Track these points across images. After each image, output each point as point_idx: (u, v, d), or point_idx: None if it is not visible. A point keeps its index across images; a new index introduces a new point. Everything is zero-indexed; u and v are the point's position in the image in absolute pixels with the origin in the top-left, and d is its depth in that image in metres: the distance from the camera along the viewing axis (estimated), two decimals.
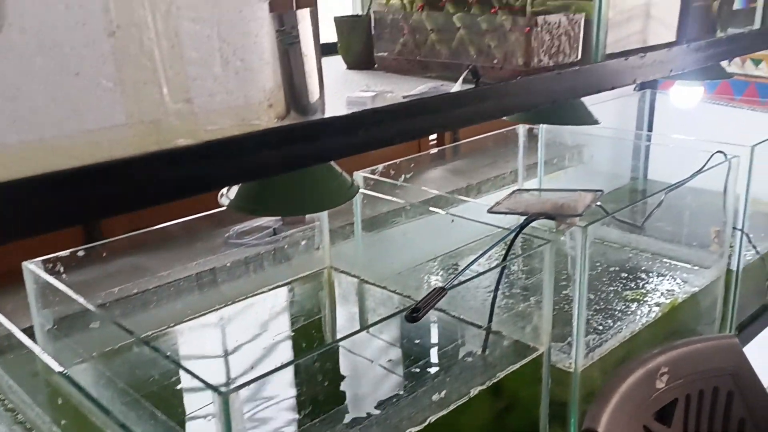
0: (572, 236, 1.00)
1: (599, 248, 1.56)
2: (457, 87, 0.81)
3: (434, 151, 2.20)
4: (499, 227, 1.01)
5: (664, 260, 1.48)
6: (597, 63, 0.92)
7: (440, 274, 1.39)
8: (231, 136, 0.56)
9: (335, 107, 0.80)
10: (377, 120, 0.67)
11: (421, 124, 0.72)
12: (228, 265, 1.19)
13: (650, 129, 2.12)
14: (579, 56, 0.92)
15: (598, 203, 1.09)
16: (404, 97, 0.76)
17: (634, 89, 2.14)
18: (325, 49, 1.23)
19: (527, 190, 1.15)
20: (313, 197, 0.82)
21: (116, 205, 0.51)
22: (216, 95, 0.56)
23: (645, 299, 1.31)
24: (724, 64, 2.00)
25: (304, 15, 0.66)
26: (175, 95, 0.53)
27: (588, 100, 2.21)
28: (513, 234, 0.98)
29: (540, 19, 0.87)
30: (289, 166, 0.62)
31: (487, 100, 0.79)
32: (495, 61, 0.90)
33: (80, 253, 0.99)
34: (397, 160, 1.42)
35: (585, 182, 2.15)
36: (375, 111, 0.67)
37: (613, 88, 0.95)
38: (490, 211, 1.07)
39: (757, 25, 1.26)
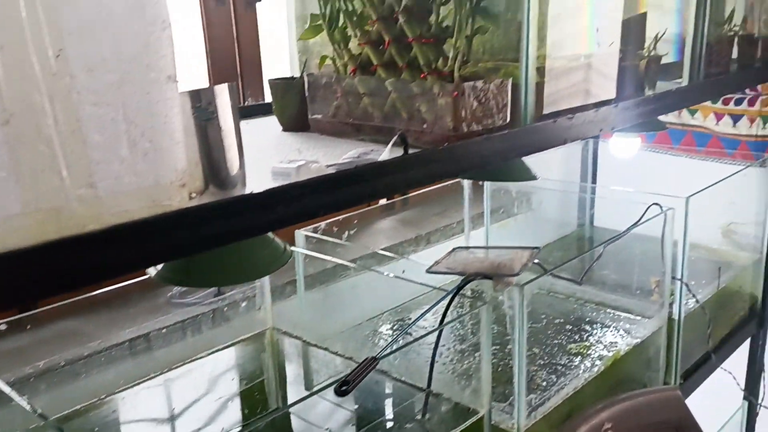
0: (510, 296, 1.00)
1: (545, 299, 1.57)
2: (385, 154, 0.81)
3: (384, 202, 2.20)
4: (434, 288, 1.01)
5: (608, 311, 1.50)
6: (525, 126, 0.93)
7: (382, 332, 1.37)
8: (139, 219, 0.55)
9: (262, 175, 0.79)
10: (299, 194, 0.66)
11: (346, 195, 0.71)
12: (164, 331, 1.16)
13: (594, 177, 2.17)
14: (507, 120, 0.93)
15: (536, 261, 1.09)
16: (328, 166, 0.75)
17: None
18: (263, 110, 1.24)
19: (467, 248, 1.15)
20: (243, 267, 0.81)
21: (12, 297, 0.49)
22: (123, 178, 0.54)
23: (588, 352, 1.31)
24: None
25: (221, 90, 0.65)
26: (77, 180, 0.51)
27: None
28: (450, 295, 0.97)
29: (467, 84, 0.89)
30: (204, 245, 0.60)
31: (414, 168, 0.79)
32: (425, 126, 0.90)
33: (2, 327, 0.95)
34: (340, 217, 1.41)
35: (533, 230, 2.19)
36: (294, 186, 0.66)
37: (542, 150, 0.96)
38: (428, 271, 1.07)
39: (685, 81, 1.30)
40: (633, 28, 1.22)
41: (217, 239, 0.61)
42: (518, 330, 1.01)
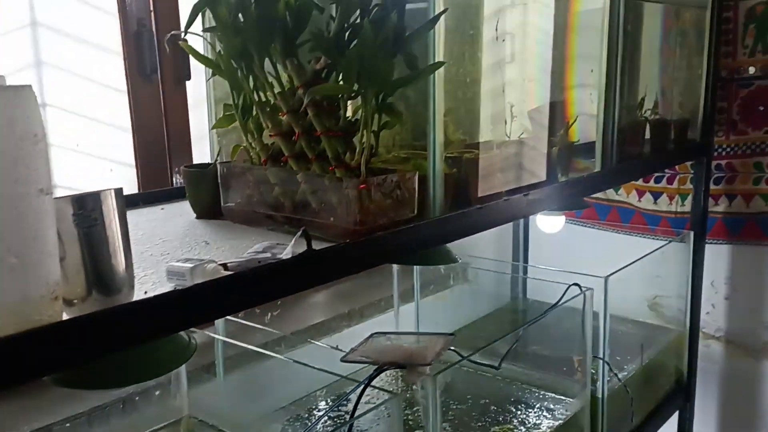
0: (423, 386, 1.00)
1: (473, 378, 1.56)
2: (288, 250, 0.81)
3: None
4: (342, 377, 1.00)
5: (534, 390, 1.50)
6: (433, 219, 0.95)
7: (300, 420, 1.34)
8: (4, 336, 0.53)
9: (159, 272, 0.78)
10: (186, 300, 0.65)
11: (239, 298, 0.71)
12: (67, 425, 1.11)
13: (526, 251, 2.20)
14: (415, 212, 0.94)
15: (451, 348, 1.09)
16: (226, 265, 0.75)
17: None
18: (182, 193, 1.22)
19: (384, 334, 1.14)
20: (139, 366, 0.78)
21: None
22: None
23: None
24: None
25: (106, 195, 0.65)
26: None
27: None
28: (362, 387, 0.96)
29: (374, 178, 0.90)
30: (78, 357, 0.58)
31: (316, 265, 0.79)
32: (331, 219, 0.91)
33: None
34: None
35: (468, 302, 2.20)
36: (182, 293, 0.65)
37: (451, 242, 0.98)
38: (343, 360, 1.06)
39: (597, 166, 1.35)
40: (545, 115, 1.27)
41: (93, 350, 0.59)
42: (432, 421, 1.00)
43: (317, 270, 0.78)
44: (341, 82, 0.91)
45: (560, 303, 1.38)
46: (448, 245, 1.10)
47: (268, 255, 0.81)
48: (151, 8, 1.55)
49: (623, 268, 1.51)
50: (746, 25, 1.77)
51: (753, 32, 1.76)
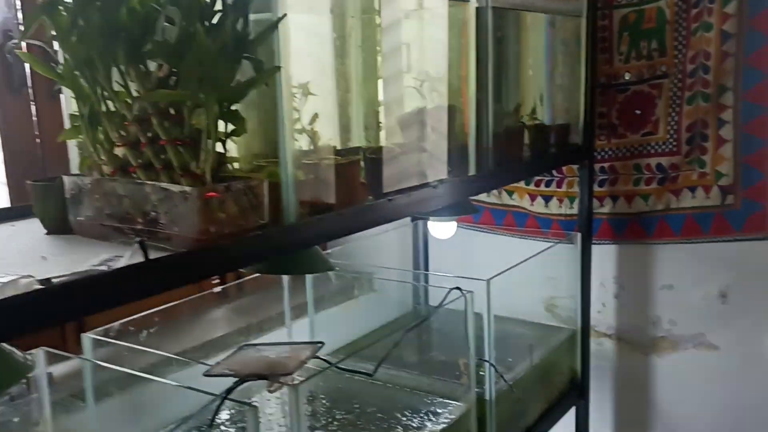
0: (287, 397, 0.98)
1: (362, 386, 1.56)
2: (123, 262, 0.79)
3: (217, 290, 2.15)
4: (204, 393, 0.97)
5: (423, 394, 1.50)
6: (284, 226, 0.94)
7: None
8: None
9: None
10: None
11: (55, 312, 0.68)
12: None
13: (426, 257, 2.22)
14: (265, 219, 0.93)
15: (318, 355, 1.08)
16: (45, 280, 0.71)
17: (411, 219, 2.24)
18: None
19: (254, 345, 1.12)
20: None
21: None
22: None
23: None
24: (482, 194, 2.17)
25: None
26: None
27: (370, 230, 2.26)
28: (218, 401, 0.94)
29: (219, 185, 0.88)
30: None
31: (150, 275, 0.77)
32: (176, 229, 0.89)
33: None
34: (136, 315, 1.35)
35: (374, 311, 2.20)
36: None
37: (305, 248, 0.97)
38: (206, 375, 1.03)
39: (472, 171, 1.37)
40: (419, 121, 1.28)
41: None
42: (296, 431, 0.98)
43: (147, 279, 0.76)
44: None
45: (441, 306, 1.39)
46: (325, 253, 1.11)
47: (104, 267, 0.79)
48: (18, 20, 1.50)
49: (505, 270, 1.54)
50: (621, 33, 1.84)
51: (627, 39, 1.83)
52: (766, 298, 1.74)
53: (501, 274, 1.53)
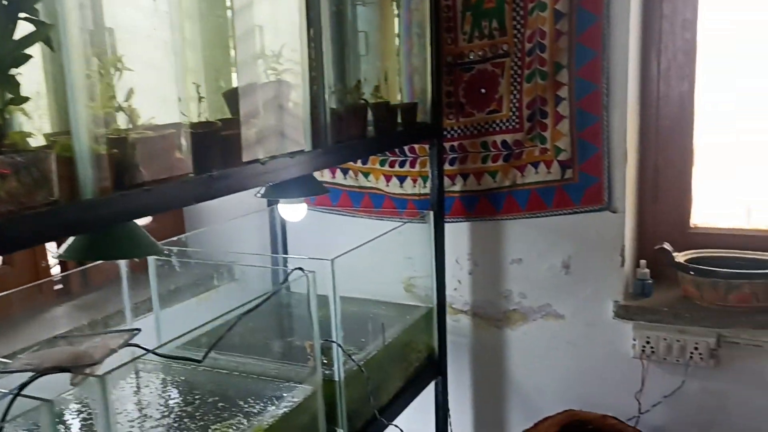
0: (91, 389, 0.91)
1: (207, 377, 1.50)
2: None
3: (59, 287, 2.01)
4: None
5: (267, 380, 1.46)
6: (79, 201, 0.87)
7: None
8: None
9: None
10: None
11: None
12: None
13: (285, 242, 2.18)
14: (55, 195, 0.85)
15: (131, 342, 1.01)
16: None
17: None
18: None
19: (65, 336, 1.04)
20: None
21: None
22: None
23: (235, 429, 1.25)
24: (339, 176, 2.15)
25: None
26: None
27: (230, 212, 2.19)
28: (9, 399, 0.85)
29: None
30: None
31: None
32: None
33: None
34: None
35: (233, 300, 2.12)
36: None
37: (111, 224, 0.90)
38: (2, 371, 0.94)
39: (307, 147, 1.34)
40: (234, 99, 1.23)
41: None
42: (104, 424, 0.91)
43: None
44: None
45: (281, 287, 1.36)
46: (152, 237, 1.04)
47: None
48: None
49: (350, 250, 1.52)
50: (464, 13, 1.87)
51: (470, 19, 1.86)
52: (604, 266, 1.83)
53: (346, 253, 1.51)
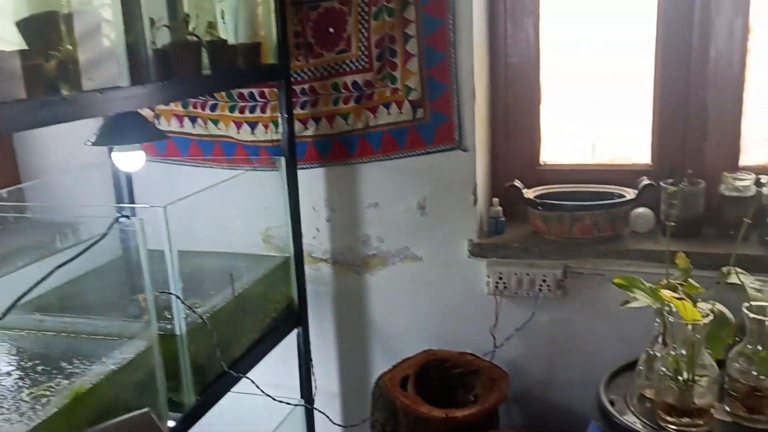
0: None
1: (33, 341, 1.38)
2: None
3: None
4: None
5: (99, 338, 1.36)
6: None
7: None
8: None
9: None
10: None
11: None
12: None
13: (131, 194, 2.04)
14: None
15: None
16: None
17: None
18: None
19: None
20: None
21: None
22: None
23: (53, 390, 1.15)
24: (187, 125, 2.03)
25: None
26: None
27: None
28: None
29: None
30: None
31: None
32: None
33: None
34: None
35: (82, 261, 1.98)
36: None
37: None
38: None
39: (125, 83, 1.23)
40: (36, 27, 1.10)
41: None
42: None
43: None
44: None
45: (102, 236, 1.26)
46: None
47: None
48: None
49: (186, 197, 1.44)
50: None
51: None
52: (458, 206, 1.84)
53: (181, 200, 1.42)
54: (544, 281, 1.78)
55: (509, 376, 1.75)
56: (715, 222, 1.73)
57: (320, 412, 1.92)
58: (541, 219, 1.79)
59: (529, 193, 1.84)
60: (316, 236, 2.00)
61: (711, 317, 1.25)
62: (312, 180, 1.95)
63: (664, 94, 1.79)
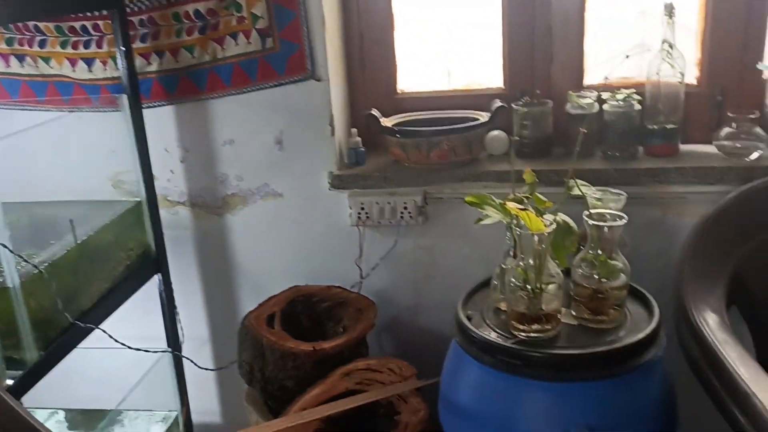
0: None
1: None
2: None
3: None
4: None
5: None
6: None
7: None
8: None
9: None
10: None
11: None
12: None
13: None
14: None
15: None
16: None
17: None
18: None
19: None
20: None
21: None
22: None
23: None
24: (15, 64, 1.85)
25: None
26: None
27: None
28: None
29: None
30: None
31: None
32: None
33: None
34: None
35: None
36: None
37: None
38: None
39: None
40: None
41: None
42: None
43: None
44: None
45: None
46: None
47: None
48: None
49: None
50: None
51: None
52: (316, 138, 1.80)
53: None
54: (405, 209, 1.78)
55: (376, 305, 1.76)
56: (563, 141, 1.80)
57: (186, 358, 1.86)
58: (400, 147, 1.79)
59: (387, 122, 1.83)
60: (171, 178, 1.90)
61: (554, 226, 1.29)
62: (161, 119, 1.84)
63: (511, 18, 1.81)
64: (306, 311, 1.80)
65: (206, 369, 1.89)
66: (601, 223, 1.33)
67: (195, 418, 1.99)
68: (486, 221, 1.38)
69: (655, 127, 1.71)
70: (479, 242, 1.79)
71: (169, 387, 1.93)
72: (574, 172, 1.44)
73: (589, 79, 1.84)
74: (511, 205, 1.27)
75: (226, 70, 1.77)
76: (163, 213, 1.88)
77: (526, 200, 1.36)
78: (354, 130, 1.86)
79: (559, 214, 1.39)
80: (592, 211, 1.35)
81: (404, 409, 1.50)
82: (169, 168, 1.89)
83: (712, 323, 1.33)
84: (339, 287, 1.83)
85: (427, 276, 1.87)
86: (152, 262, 1.80)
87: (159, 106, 1.83)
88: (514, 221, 1.33)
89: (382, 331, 1.94)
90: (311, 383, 1.58)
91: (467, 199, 1.39)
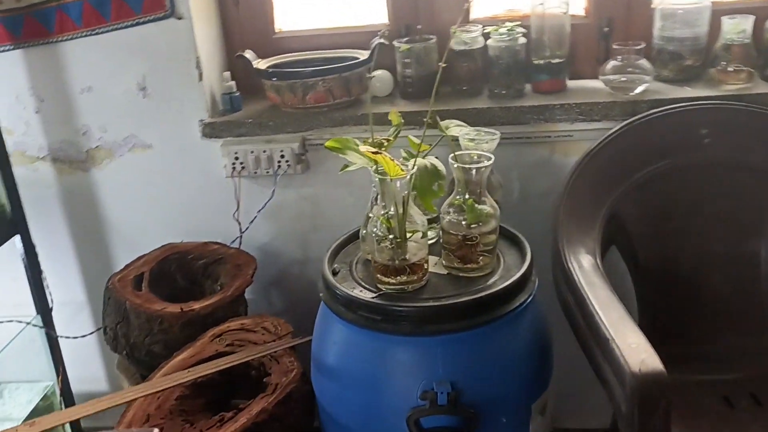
0: None
1: None
2: None
3: None
4: None
5: None
6: None
7: None
8: None
9: None
10: None
11: None
12: None
13: None
14: None
15: None
16: None
17: None
18: None
19: None
20: None
21: None
22: None
23: None
24: None
25: None
26: None
27: None
28: None
29: None
30: None
31: None
32: None
33: None
34: None
35: None
36: None
37: None
38: None
39: None
40: None
41: None
42: None
43: None
44: None
45: None
46: None
47: None
48: None
49: None
50: None
51: None
52: (183, 83, 1.65)
53: None
54: (283, 157, 1.67)
55: (257, 260, 1.66)
56: (450, 79, 1.69)
57: (41, 327, 1.72)
58: (275, 90, 1.66)
59: (262, 64, 1.69)
60: (26, 131, 1.74)
61: (414, 170, 1.20)
62: (9, 65, 1.67)
63: None
64: (181, 270, 1.69)
65: (66, 337, 1.77)
66: (466, 165, 1.24)
67: (78, 386, 1.87)
68: (351, 168, 1.28)
69: (541, 62, 1.62)
70: (364, 190, 1.68)
71: (42, 356, 1.80)
72: (455, 113, 1.34)
73: (476, 13, 1.73)
74: (364, 149, 1.17)
75: (75, 9, 1.60)
76: (22, 170, 1.73)
77: (386, 143, 1.25)
78: (227, 74, 1.72)
79: (429, 157, 1.30)
80: (457, 153, 1.26)
81: (275, 369, 1.41)
82: (24, 120, 1.72)
83: (586, 265, 1.27)
84: (217, 243, 1.71)
85: (314, 227, 1.77)
86: (8, 223, 1.64)
87: (4, 50, 1.65)
88: (380, 167, 1.23)
89: (270, 287, 1.85)
90: (181, 348, 1.48)
91: (327, 144, 1.27)
